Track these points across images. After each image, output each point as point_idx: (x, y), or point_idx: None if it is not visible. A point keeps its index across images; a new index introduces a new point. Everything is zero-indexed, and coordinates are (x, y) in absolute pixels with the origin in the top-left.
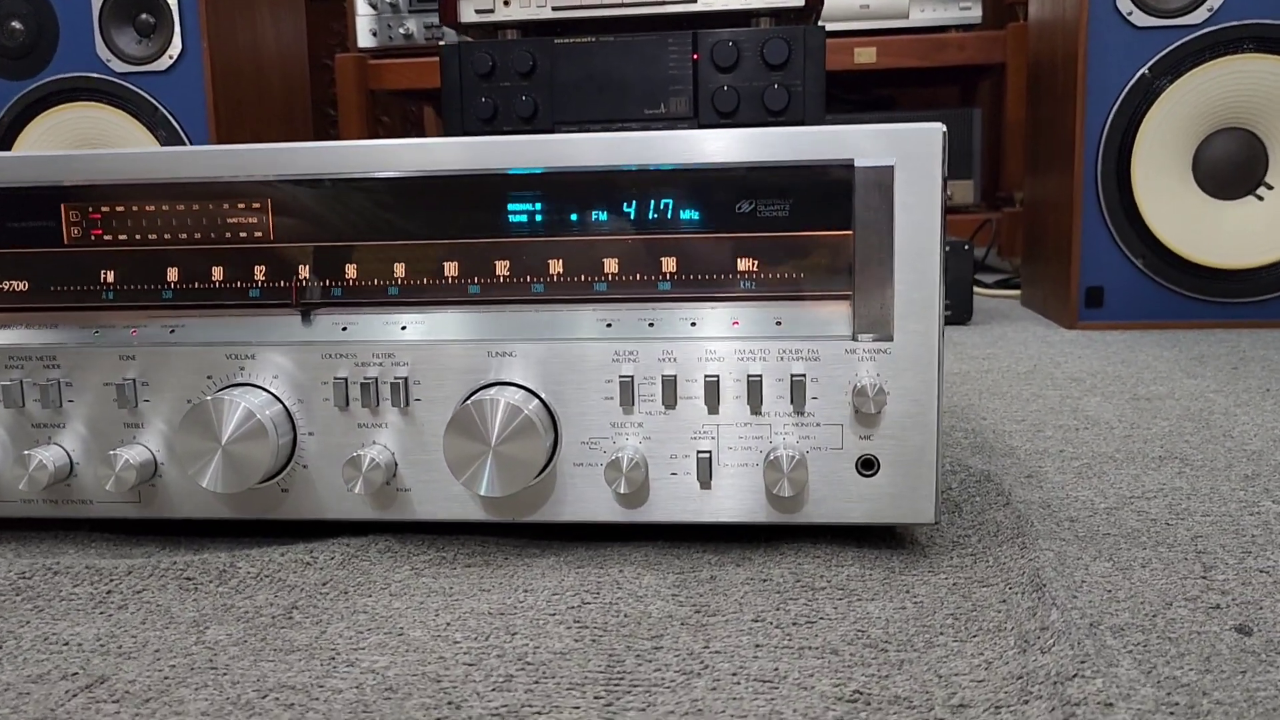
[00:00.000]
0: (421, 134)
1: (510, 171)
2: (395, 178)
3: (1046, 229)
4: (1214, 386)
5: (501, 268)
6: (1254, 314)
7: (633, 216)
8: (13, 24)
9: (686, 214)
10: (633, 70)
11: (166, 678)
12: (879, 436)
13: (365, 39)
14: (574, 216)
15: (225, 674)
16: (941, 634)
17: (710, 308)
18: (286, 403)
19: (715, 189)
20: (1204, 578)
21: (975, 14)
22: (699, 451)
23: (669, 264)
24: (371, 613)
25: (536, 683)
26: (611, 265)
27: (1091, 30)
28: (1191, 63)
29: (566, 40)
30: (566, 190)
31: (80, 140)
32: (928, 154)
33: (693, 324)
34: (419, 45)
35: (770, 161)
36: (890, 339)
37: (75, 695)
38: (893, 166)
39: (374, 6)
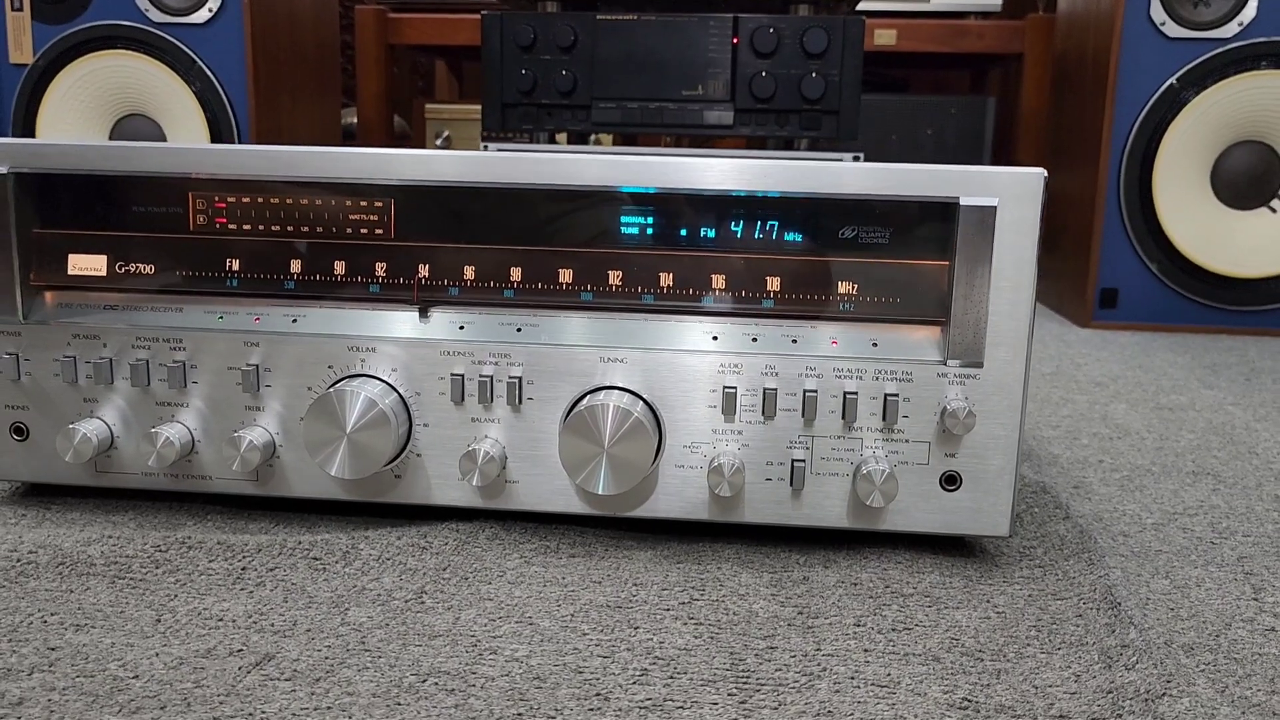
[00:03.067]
0: (431, 88)
1: (624, 190)
2: (516, 188)
3: (1066, 225)
4: (1230, 399)
5: (614, 277)
6: (1261, 322)
7: (740, 236)
8: None
9: (791, 236)
10: (673, 51)
11: (327, 658)
12: (963, 454)
13: None
14: (683, 233)
15: (380, 656)
16: (1028, 645)
17: (811, 326)
18: (404, 394)
19: (823, 215)
20: (1255, 600)
21: (996, 1)
22: (794, 460)
23: (773, 283)
24: (498, 600)
25: (671, 678)
26: (719, 281)
27: (1125, 37)
28: (1217, 76)
29: (609, 17)
30: (678, 209)
31: (115, 89)
32: (1028, 196)
33: (794, 341)
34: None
35: (883, 195)
36: (980, 365)
37: (249, 672)
38: (995, 206)
39: None
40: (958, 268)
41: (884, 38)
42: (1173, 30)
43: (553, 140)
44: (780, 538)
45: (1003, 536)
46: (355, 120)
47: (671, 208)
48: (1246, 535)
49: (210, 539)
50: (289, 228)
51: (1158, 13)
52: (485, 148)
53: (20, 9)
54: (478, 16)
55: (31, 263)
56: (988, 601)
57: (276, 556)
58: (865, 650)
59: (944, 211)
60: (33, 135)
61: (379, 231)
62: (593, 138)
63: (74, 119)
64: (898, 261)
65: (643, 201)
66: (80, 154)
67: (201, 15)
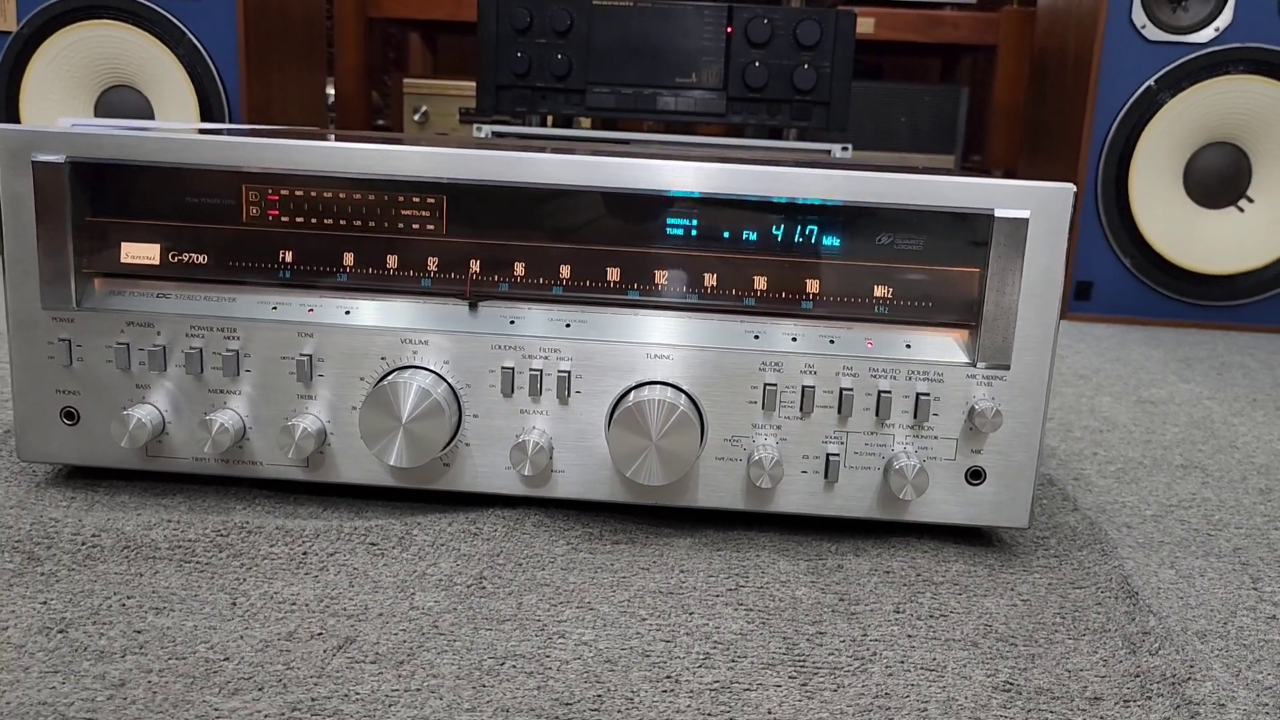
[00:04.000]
0: (403, 62)
1: (672, 193)
2: (566, 188)
3: None
4: (1207, 393)
5: (660, 276)
6: (1228, 317)
7: (781, 240)
8: None
9: (829, 241)
10: (667, 38)
11: (404, 641)
12: (988, 451)
13: None
14: (726, 235)
15: (455, 640)
16: (1056, 631)
17: (848, 328)
18: (455, 386)
19: (860, 223)
20: (1255, 589)
21: None
22: (829, 454)
23: (813, 286)
24: (554, 585)
25: (733, 661)
26: (761, 283)
27: (1106, 39)
28: (1192, 79)
29: (605, 2)
30: (722, 213)
31: (101, 59)
32: (1059, 209)
33: (831, 341)
34: None
35: (921, 205)
36: (1008, 367)
37: (334, 655)
38: (1028, 219)
39: None
40: (990, 275)
41: (863, 26)
42: (1152, 33)
43: (544, 123)
44: (809, 526)
45: (1022, 528)
46: (332, 93)
47: (715, 212)
48: (1239, 528)
49: (268, 524)
50: (342, 221)
51: (1139, 16)
52: (477, 129)
53: None
54: None
55: (85, 250)
56: (1012, 590)
57: (335, 541)
58: (909, 636)
59: (977, 222)
60: (15, 104)
61: (431, 227)
62: (579, 121)
63: (59, 89)
64: (931, 268)
65: (689, 205)
66: (137, 144)
67: None
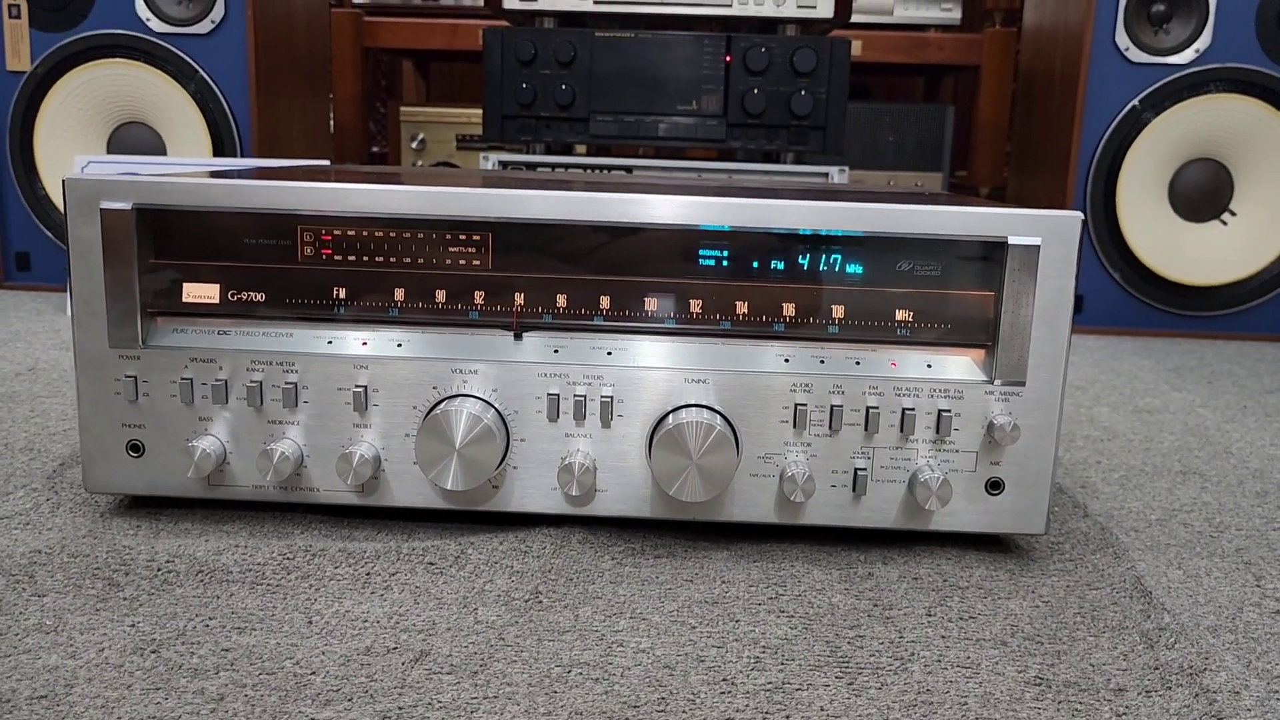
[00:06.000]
0: (395, 90)
1: (704, 227)
2: (603, 225)
3: None
4: (1199, 401)
5: (695, 305)
6: (1215, 326)
7: (807, 269)
8: None
9: (853, 269)
10: (668, 67)
11: (475, 654)
12: (1006, 462)
13: None
14: (756, 265)
15: (522, 650)
16: (1077, 630)
17: (872, 350)
18: (503, 412)
19: (882, 252)
20: (1259, 586)
21: (955, 15)
22: (856, 469)
23: (838, 311)
24: (606, 598)
25: (782, 664)
26: (789, 309)
27: (1092, 60)
28: (1174, 99)
29: (607, 34)
30: (753, 245)
31: (113, 96)
32: (1068, 236)
33: (857, 363)
34: (415, 5)
35: (939, 235)
36: (1023, 384)
37: (412, 667)
38: (1039, 246)
39: None
40: (1005, 299)
41: (852, 49)
42: (1136, 55)
43: (549, 151)
44: (836, 537)
45: (1039, 534)
46: (331, 122)
47: (746, 244)
48: (1239, 529)
49: (330, 547)
50: (392, 259)
51: (1122, 39)
52: (484, 158)
53: (19, 16)
54: (452, 21)
55: (149, 291)
56: (1033, 592)
57: (395, 562)
58: (942, 637)
59: (992, 249)
60: (30, 142)
61: (477, 262)
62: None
63: (73, 126)
64: (950, 292)
65: (720, 238)
66: (199, 190)
67: (204, 26)
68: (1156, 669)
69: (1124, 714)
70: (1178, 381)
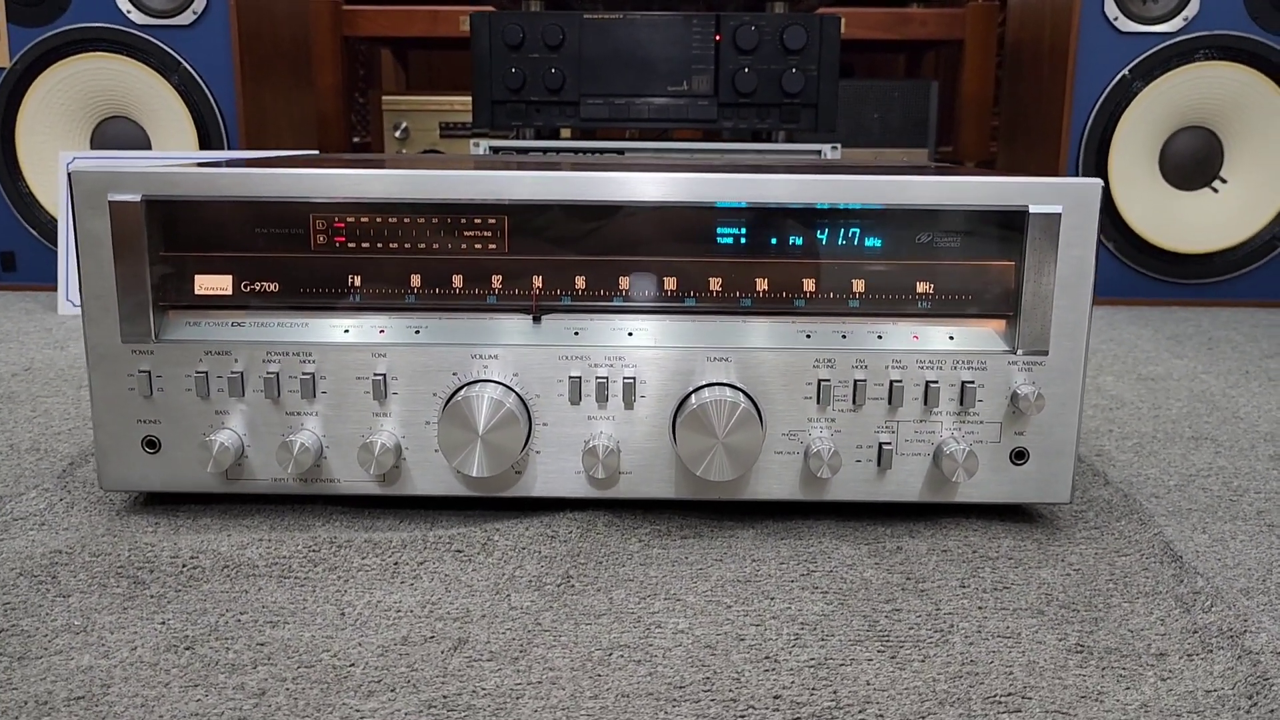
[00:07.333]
0: (372, 78)
1: (720, 204)
2: (621, 204)
3: None
4: (1201, 368)
5: (715, 284)
6: (1207, 293)
7: (826, 244)
8: None
9: (872, 242)
10: (658, 48)
11: (514, 640)
12: (1030, 432)
13: None
14: (774, 241)
15: (561, 635)
16: (1111, 596)
17: (893, 323)
18: (524, 396)
19: (904, 223)
20: None
21: None
22: (881, 443)
23: (859, 285)
24: (638, 580)
25: (822, 640)
26: (810, 285)
27: (1082, 31)
28: (1163, 68)
29: (595, 16)
30: (770, 220)
31: (96, 91)
32: (1088, 204)
33: (879, 336)
34: None
35: (959, 206)
36: (1046, 353)
37: (452, 655)
38: (1060, 213)
39: None
40: (1027, 268)
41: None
42: (1124, 25)
43: (539, 136)
44: (859, 512)
45: (1064, 503)
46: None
47: (764, 220)
48: (1258, 493)
49: (355, 538)
50: (408, 245)
51: (1111, 9)
52: (474, 144)
53: None
54: (432, 8)
55: (160, 284)
56: (1062, 560)
57: (422, 551)
58: (979, 608)
59: (1012, 218)
60: (11, 139)
61: (494, 246)
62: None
63: (55, 123)
64: (970, 263)
65: (737, 214)
66: (208, 180)
67: (186, 17)
68: (1195, 633)
69: (1168, 677)
70: (1178, 349)
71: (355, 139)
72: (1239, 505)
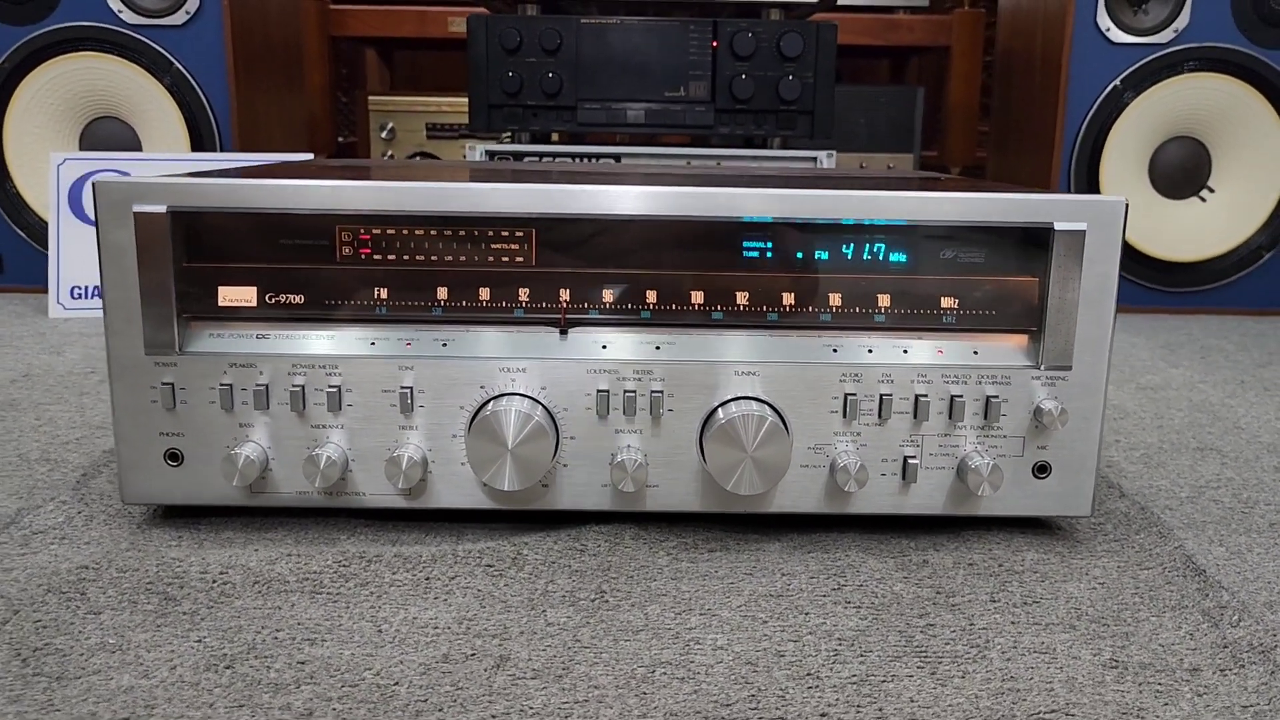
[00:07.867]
0: (357, 78)
1: (746, 219)
2: (649, 217)
3: None
4: (1197, 377)
5: (742, 298)
6: (1198, 302)
7: (852, 259)
8: None
9: (897, 257)
10: (655, 53)
11: (555, 656)
12: (1053, 446)
13: None
14: (800, 256)
15: (602, 652)
16: (1139, 611)
17: (918, 338)
18: (552, 410)
19: (929, 239)
20: None
21: None
22: (906, 456)
23: (884, 300)
24: (672, 595)
25: (862, 656)
26: (836, 299)
27: (1074, 41)
28: (1154, 79)
29: (592, 20)
30: (794, 236)
31: (86, 92)
32: (1112, 221)
33: (905, 351)
34: None
35: (985, 222)
36: (1069, 368)
37: (495, 673)
38: (1084, 231)
39: None
40: (1051, 284)
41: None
42: (1116, 36)
43: (534, 140)
44: (882, 525)
45: (1085, 516)
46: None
47: (790, 234)
48: (1268, 504)
49: (385, 552)
50: (434, 257)
51: (1103, 19)
52: (470, 148)
53: None
54: (420, 9)
55: (184, 295)
56: (1087, 574)
57: (453, 565)
58: (1012, 623)
59: (1037, 235)
60: None
61: (520, 259)
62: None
63: (44, 123)
64: (995, 279)
65: (764, 229)
66: (235, 192)
67: (179, 17)
68: (1226, 647)
69: (1204, 693)
70: (1173, 358)
71: (340, 139)
72: (1251, 518)
